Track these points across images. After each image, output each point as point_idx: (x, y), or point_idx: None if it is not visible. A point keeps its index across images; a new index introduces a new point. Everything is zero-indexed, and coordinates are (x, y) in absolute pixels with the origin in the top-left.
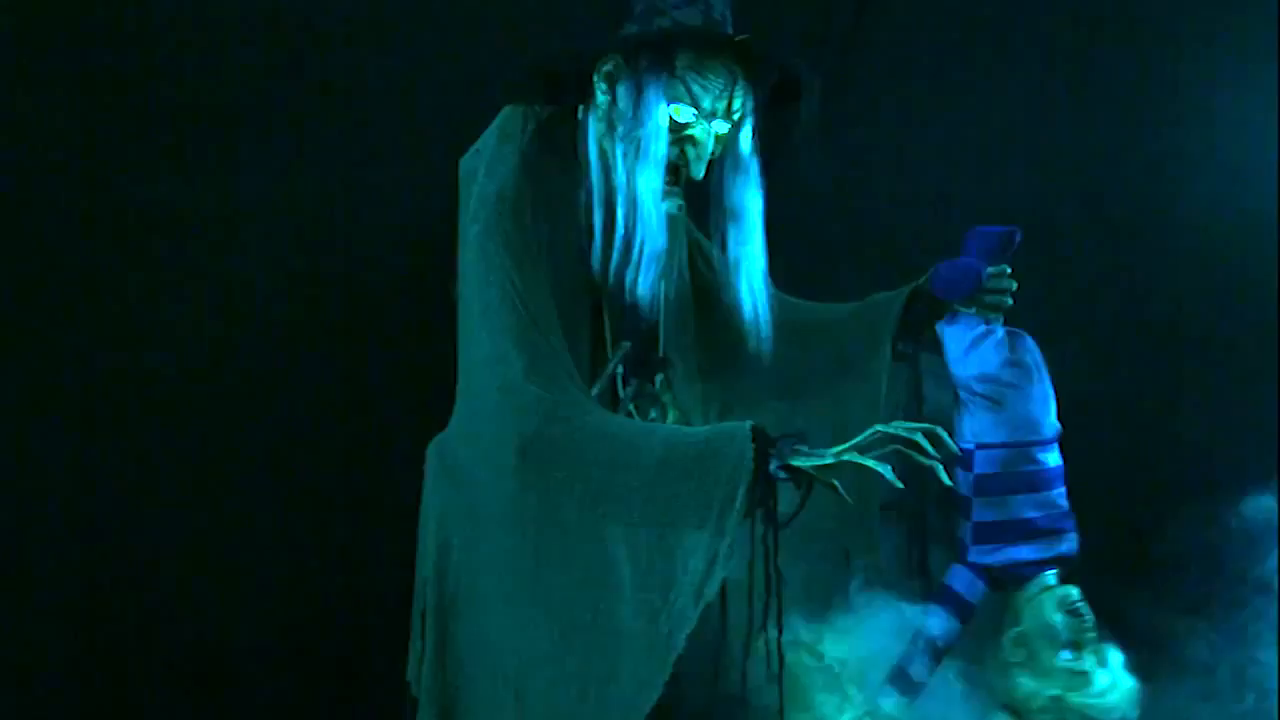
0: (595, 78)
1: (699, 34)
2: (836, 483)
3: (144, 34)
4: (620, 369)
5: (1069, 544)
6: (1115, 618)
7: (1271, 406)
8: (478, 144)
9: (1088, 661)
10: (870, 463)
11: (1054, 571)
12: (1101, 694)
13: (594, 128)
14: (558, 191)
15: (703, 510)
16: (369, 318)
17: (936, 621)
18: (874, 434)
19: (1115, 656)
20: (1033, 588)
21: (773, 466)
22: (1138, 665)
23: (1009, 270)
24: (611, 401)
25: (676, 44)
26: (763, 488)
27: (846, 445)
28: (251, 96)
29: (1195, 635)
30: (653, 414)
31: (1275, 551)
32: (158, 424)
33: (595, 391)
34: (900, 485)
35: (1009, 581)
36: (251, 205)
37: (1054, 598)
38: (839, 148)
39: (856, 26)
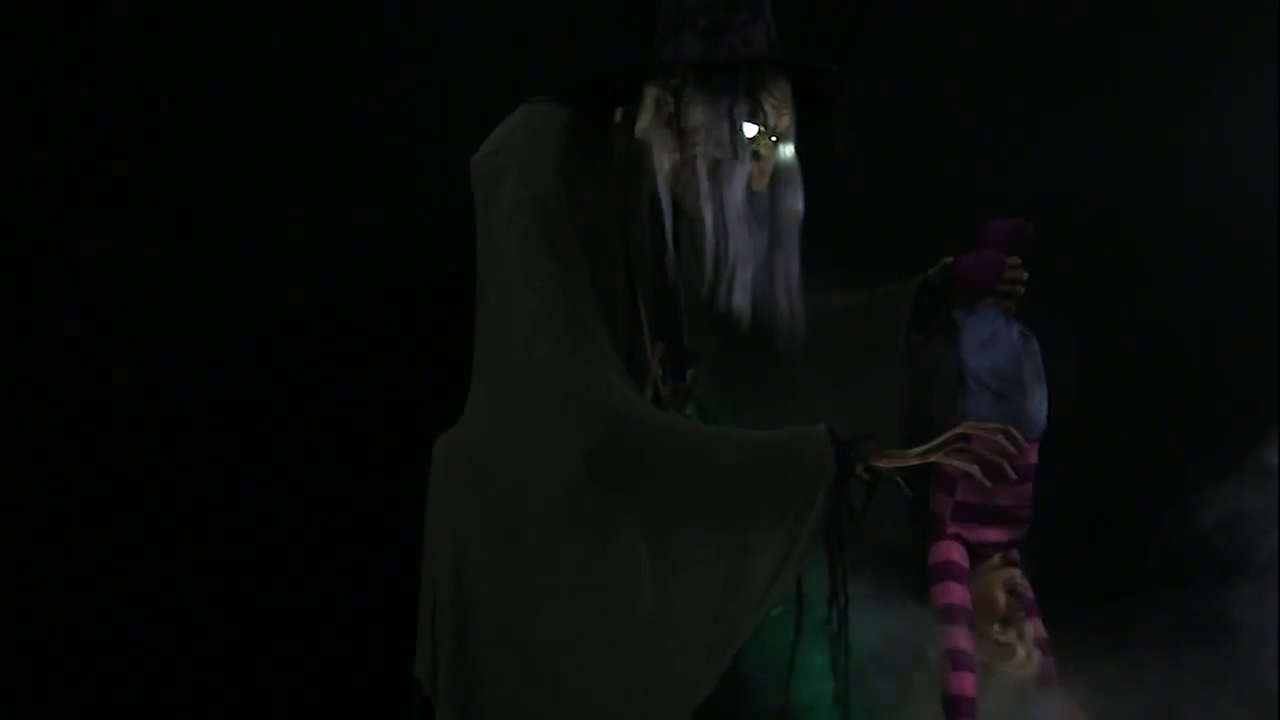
0: (657, 88)
1: (783, 58)
2: (900, 480)
3: (145, 33)
4: (660, 370)
5: (1024, 531)
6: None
7: (1272, 404)
8: (493, 144)
9: (1013, 636)
10: (960, 464)
11: (1004, 553)
12: (1020, 665)
13: (655, 137)
14: (591, 193)
15: (780, 512)
16: (371, 314)
17: (958, 591)
18: (954, 435)
19: (1030, 633)
20: (985, 565)
21: (859, 469)
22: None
23: (1020, 262)
24: (655, 402)
25: (763, 65)
26: (841, 489)
27: (928, 446)
28: (256, 93)
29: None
30: (688, 410)
31: (1274, 545)
32: (158, 422)
33: (648, 396)
34: (989, 485)
35: (969, 556)
36: (256, 201)
37: (1002, 576)
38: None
39: (857, 20)
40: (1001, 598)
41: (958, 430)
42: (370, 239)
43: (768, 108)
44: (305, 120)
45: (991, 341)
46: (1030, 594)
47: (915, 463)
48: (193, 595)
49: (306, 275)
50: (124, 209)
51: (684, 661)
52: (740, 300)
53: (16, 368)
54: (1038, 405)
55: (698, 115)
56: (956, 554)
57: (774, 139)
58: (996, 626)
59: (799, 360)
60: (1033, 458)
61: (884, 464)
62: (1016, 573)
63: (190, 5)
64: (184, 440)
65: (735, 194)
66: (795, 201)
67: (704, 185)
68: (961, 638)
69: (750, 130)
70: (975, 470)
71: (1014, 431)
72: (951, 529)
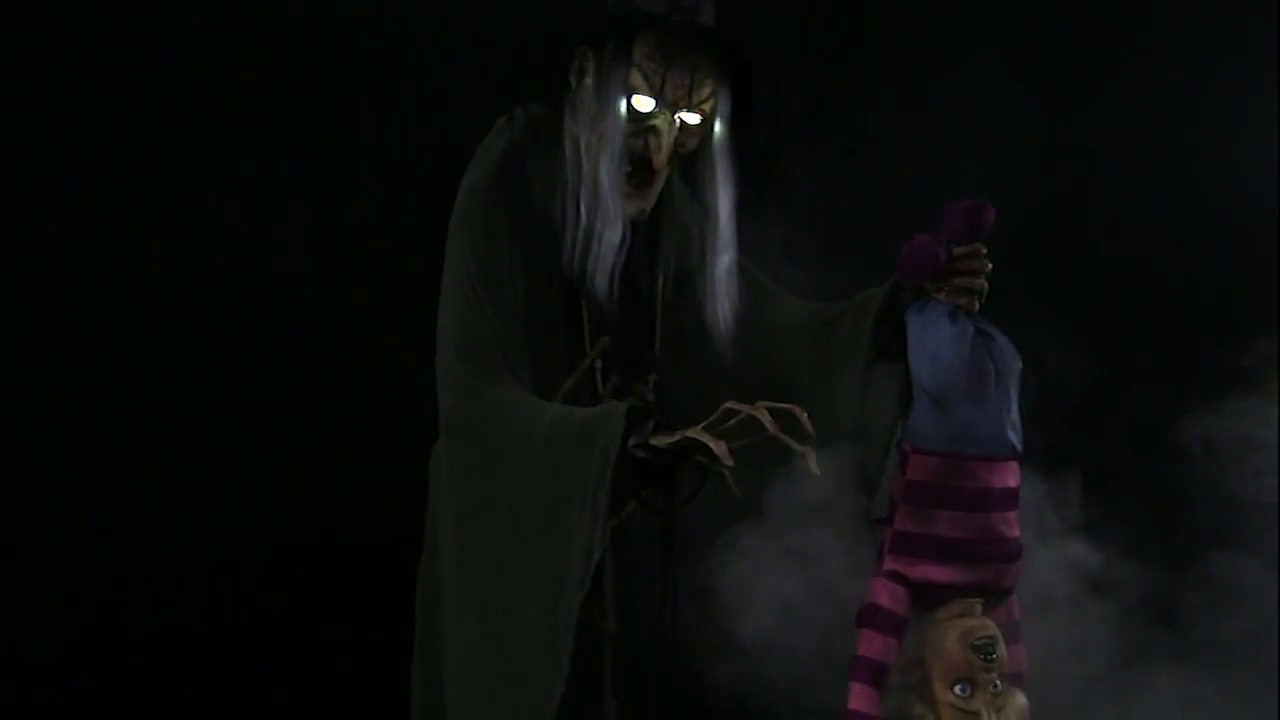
0: (571, 70)
1: (654, 21)
2: (726, 472)
3: (146, 33)
4: (599, 364)
5: (999, 575)
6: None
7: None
8: None
9: (979, 702)
10: (709, 439)
11: (978, 601)
12: None
13: (568, 120)
14: (540, 185)
15: (583, 491)
16: (380, 317)
17: (875, 644)
18: (723, 411)
19: (1018, 704)
20: (943, 612)
21: (631, 443)
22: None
23: (984, 250)
24: (590, 399)
25: (632, 31)
26: (633, 471)
27: (705, 423)
28: (259, 96)
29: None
30: None
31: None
32: (164, 424)
33: (566, 387)
34: (730, 464)
35: (922, 599)
36: (258, 202)
37: (960, 628)
38: (838, 143)
39: (854, 22)
40: (959, 654)
41: (726, 406)
42: (370, 240)
43: (655, 78)
44: (309, 123)
45: (935, 342)
46: (1003, 654)
47: (677, 438)
48: (194, 600)
49: (306, 278)
50: (118, 214)
51: (537, 664)
52: (601, 281)
53: (15, 368)
54: (992, 418)
55: (586, 90)
56: (886, 597)
57: (675, 115)
58: (957, 688)
59: (777, 368)
60: (997, 481)
61: (658, 440)
62: (985, 625)
63: (190, 7)
64: (190, 443)
65: (606, 167)
66: (721, 194)
67: (584, 158)
68: (861, 698)
69: (646, 104)
70: (720, 448)
71: (796, 410)
72: (889, 563)
